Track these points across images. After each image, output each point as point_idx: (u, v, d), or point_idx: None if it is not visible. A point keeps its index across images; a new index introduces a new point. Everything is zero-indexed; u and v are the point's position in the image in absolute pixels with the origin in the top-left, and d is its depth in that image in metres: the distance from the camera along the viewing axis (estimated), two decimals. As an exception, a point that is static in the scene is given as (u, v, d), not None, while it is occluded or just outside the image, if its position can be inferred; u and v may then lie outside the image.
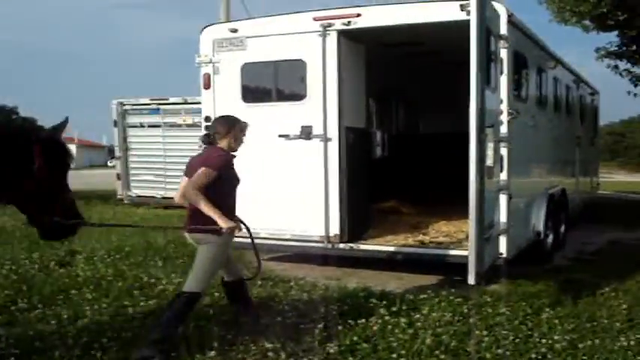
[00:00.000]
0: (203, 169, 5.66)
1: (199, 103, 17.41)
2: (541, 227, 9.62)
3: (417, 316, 6.68)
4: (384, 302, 7.13)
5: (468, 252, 6.65)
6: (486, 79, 6.89)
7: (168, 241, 11.29)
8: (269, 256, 10.29)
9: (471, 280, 6.48)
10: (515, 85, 8.59)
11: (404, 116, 15.22)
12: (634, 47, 14.05)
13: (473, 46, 6.49)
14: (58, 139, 5.07)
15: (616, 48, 14.60)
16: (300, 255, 9.71)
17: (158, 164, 18.51)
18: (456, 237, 9.53)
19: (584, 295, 7.72)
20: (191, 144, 17.61)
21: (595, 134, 18.30)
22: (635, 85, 13.84)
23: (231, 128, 6.06)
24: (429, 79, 12.95)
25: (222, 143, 6.02)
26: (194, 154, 17.95)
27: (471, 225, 6.48)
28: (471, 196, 6.44)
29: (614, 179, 48.00)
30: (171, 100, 18.47)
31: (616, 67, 14.18)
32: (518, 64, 8.67)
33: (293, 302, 7.20)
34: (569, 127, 13.53)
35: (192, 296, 5.71)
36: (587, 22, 13.36)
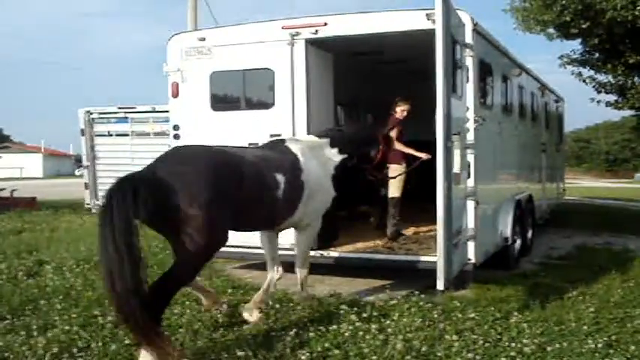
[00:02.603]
0: None
1: (168, 111, 17.64)
2: (508, 233, 9.74)
3: (388, 321, 6.72)
4: (355, 309, 7.15)
5: (437, 258, 6.72)
6: (452, 87, 6.99)
7: (137, 250, 11.18)
8: (239, 264, 10.29)
9: (440, 285, 6.56)
10: (481, 92, 8.71)
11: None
12: (596, 55, 14.31)
13: (439, 54, 6.58)
14: None
15: (579, 55, 14.85)
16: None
17: (125, 173, 18.27)
18: (426, 243, 9.61)
19: (551, 299, 7.83)
20: (159, 152, 17.51)
21: (560, 141, 18.58)
22: (599, 92, 14.11)
23: None
24: (394, 87, 13.03)
25: None
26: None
27: (439, 231, 6.56)
28: (438, 203, 6.52)
29: (580, 185, 48.85)
30: (140, 108, 18.37)
31: (580, 74, 14.43)
32: (484, 72, 8.80)
33: (264, 310, 7.19)
34: (534, 133, 13.74)
35: None
36: (550, 31, 13.59)
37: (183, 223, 5.46)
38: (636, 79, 13.22)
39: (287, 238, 8.96)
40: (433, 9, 7.81)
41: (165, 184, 5.49)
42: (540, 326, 6.67)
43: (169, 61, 9.48)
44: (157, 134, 17.93)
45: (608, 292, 8.30)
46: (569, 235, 14.54)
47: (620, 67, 12.94)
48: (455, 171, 6.84)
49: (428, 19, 7.88)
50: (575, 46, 14.71)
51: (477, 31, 8.14)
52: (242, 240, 9.05)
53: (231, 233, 9.01)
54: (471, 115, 7.90)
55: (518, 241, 10.59)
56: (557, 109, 17.51)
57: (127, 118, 18.46)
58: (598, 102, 14.45)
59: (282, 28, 8.85)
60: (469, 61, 7.84)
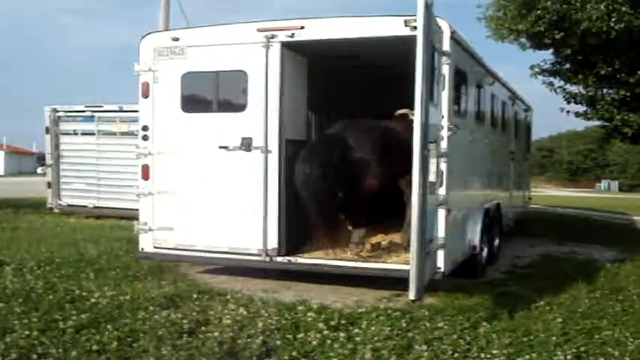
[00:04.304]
0: None
1: (136, 111, 17.32)
2: (477, 241, 9.76)
3: (356, 330, 6.66)
4: (323, 316, 7.08)
5: (408, 266, 6.67)
6: (429, 95, 6.96)
7: (101, 252, 10.99)
8: (203, 268, 10.15)
9: (412, 295, 6.51)
10: (456, 100, 8.70)
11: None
12: (567, 65, 14.44)
13: (419, 61, 6.55)
14: None
15: (550, 66, 14.96)
16: (236, 267, 9.56)
17: (91, 173, 18.09)
18: (395, 250, 9.56)
19: (519, 308, 7.85)
20: (126, 152, 17.30)
21: (528, 150, 18.74)
22: (569, 103, 14.24)
23: None
24: (367, 92, 13.02)
25: None
26: (130, 162, 17.63)
27: (412, 240, 6.51)
28: (413, 212, 6.46)
29: (543, 193, 49.40)
30: (107, 107, 18.11)
31: (551, 83, 14.54)
32: (459, 79, 8.79)
33: (230, 316, 7.07)
34: (504, 142, 13.80)
35: None
36: (523, 40, 13.68)
37: None
38: (605, 90, 13.36)
39: (227, 241, 8.92)
40: (412, 15, 7.86)
41: None
42: (509, 336, 6.66)
43: (141, 61, 9.30)
44: (123, 134, 17.69)
45: (575, 302, 8.35)
46: (534, 244, 14.64)
47: (590, 79, 13.06)
48: (431, 179, 6.80)
49: (406, 26, 7.84)
50: (546, 56, 14.85)
51: (454, 38, 8.13)
52: (207, 244, 9.04)
53: (197, 237, 9.07)
54: (445, 123, 7.87)
55: (486, 250, 10.61)
56: (526, 118, 17.65)
57: (93, 116, 18.17)
58: (567, 112, 14.60)
59: (258, 30, 8.74)
60: (445, 69, 7.81)
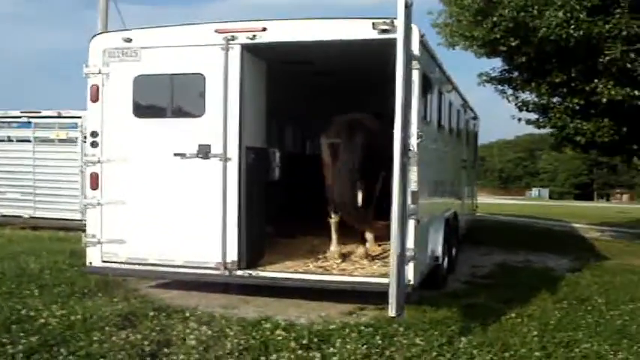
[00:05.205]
0: None
1: (75, 117, 16.71)
2: (439, 252, 9.52)
3: (331, 349, 6.31)
4: (292, 334, 6.69)
5: (375, 279, 6.36)
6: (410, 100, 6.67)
7: (43, 266, 10.30)
8: (154, 283, 9.61)
9: (392, 311, 6.17)
10: (423, 107, 8.44)
11: (295, 136, 14.93)
12: (516, 74, 14.44)
13: (399, 67, 6.29)
14: None
15: (498, 74, 14.95)
16: (192, 281, 9.06)
17: (27, 181, 17.16)
18: (358, 262, 9.25)
19: (490, 321, 7.62)
20: (65, 160, 16.59)
21: (475, 158, 18.80)
22: (521, 110, 14.23)
23: None
24: (328, 98, 12.74)
25: None
26: (69, 170, 16.84)
27: (392, 254, 6.18)
28: (393, 224, 6.13)
29: (478, 201, 50.11)
30: (45, 113, 17.23)
31: (503, 91, 14.53)
32: (425, 85, 8.54)
33: (194, 336, 6.59)
34: (459, 150, 13.70)
35: None
36: (477, 48, 13.59)
37: None
38: (557, 99, 13.40)
39: (183, 254, 8.46)
40: (380, 18, 7.59)
41: None
42: (488, 351, 6.43)
43: (90, 62, 8.72)
44: (62, 141, 16.88)
45: (545, 313, 8.19)
46: (487, 253, 14.59)
47: (544, 86, 13.05)
48: (412, 189, 6.50)
49: (374, 29, 7.58)
50: (491, 63, 14.89)
51: (423, 42, 7.86)
52: (161, 257, 8.52)
53: (150, 249, 8.54)
54: (414, 130, 7.57)
55: (446, 260, 10.39)
56: (474, 126, 17.70)
57: (30, 122, 17.27)
58: (519, 120, 14.61)
59: (216, 31, 8.29)
60: (415, 74, 7.49)
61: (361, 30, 7.77)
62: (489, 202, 51.09)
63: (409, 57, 7.16)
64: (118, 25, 17.79)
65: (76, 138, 16.58)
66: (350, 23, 8.02)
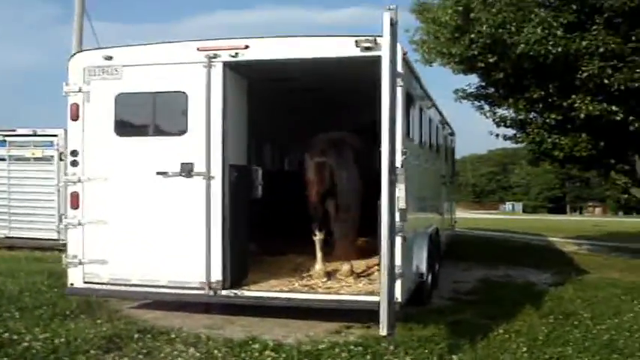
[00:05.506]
0: None
1: (51, 135, 16.49)
2: (424, 268, 9.48)
3: (323, 370, 6.22)
4: (282, 355, 6.61)
5: (362, 297, 6.29)
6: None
7: (22, 287, 10.08)
8: (136, 303, 9.45)
9: (384, 330, 6.11)
10: (406, 124, 8.44)
11: (274, 153, 14.88)
12: (492, 90, 14.52)
13: (385, 85, 6.26)
14: None
15: (475, 90, 15.04)
16: (176, 302, 8.92)
17: (1, 200, 16.88)
18: (343, 279, 9.19)
19: (478, 338, 7.56)
20: (41, 179, 16.35)
21: (453, 173, 18.88)
22: (498, 126, 14.34)
23: None
24: (306, 115, 12.72)
25: None
26: (45, 189, 16.55)
27: (382, 272, 6.12)
28: (383, 242, 6.08)
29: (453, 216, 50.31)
30: (20, 131, 16.99)
31: (481, 107, 14.61)
32: (408, 102, 8.55)
33: (182, 359, 6.48)
34: (438, 166, 13.73)
35: None
36: (454, 64, 13.67)
37: None
38: (534, 114, 13.50)
39: (166, 274, 8.33)
40: (362, 35, 7.61)
41: None
42: (480, 369, 6.39)
43: (70, 81, 8.60)
44: (37, 159, 16.64)
45: (532, 329, 8.18)
46: (467, 268, 14.59)
47: (521, 102, 13.16)
48: (400, 206, 6.46)
49: (357, 46, 7.60)
50: (466, 80, 15.00)
51: (405, 59, 7.88)
52: (145, 278, 8.38)
53: (133, 270, 8.40)
54: (399, 146, 7.55)
55: (430, 276, 10.36)
56: (451, 142, 17.81)
57: (4, 141, 17.00)
58: (497, 135, 14.69)
59: (199, 49, 8.23)
60: (399, 91, 7.49)
61: (344, 47, 7.78)
62: (465, 216, 51.29)
63: (395, 75, 7.19)
64: (92, 43, 17.69)
65: (52, 156, 16.37)
66: (333, 41, 8.03)
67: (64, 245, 14.46)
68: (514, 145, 17.61)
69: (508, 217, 69.25)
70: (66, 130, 15.96)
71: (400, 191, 6.60)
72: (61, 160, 15.94)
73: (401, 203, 6.52)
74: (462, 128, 17.79)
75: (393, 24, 6.34)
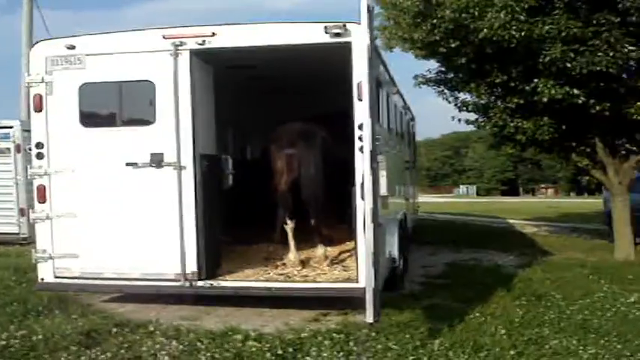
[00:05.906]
0: None
1: (7, 127, 16.01)
2: (396, 253, 9.53)
3: (307, 358, 6.19)
4: (266, 345, 6.53)
5: (340, 284, 6.25)
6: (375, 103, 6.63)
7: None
8: (108, 297, 9.27)
9: (370, 317, 6.09)
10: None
11: (238, 142, 14.71)
12: (451, 75, 14.53)
13: (362, 71, 6.22)
14: None
15: (434, 75, 15.04)
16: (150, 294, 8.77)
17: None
18: (318, 266, 9.16)
19: (455, 322, 7.59)
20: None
21: (415, 159, 18.99)
22: (460, 111, 14.39)
23: None
24: (272, 102, 12.61)
25: None
26: (3, 183, 16.12)
27: (367, 259, 6.08)
28: (367, 229, 6.05)
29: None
30: (-25, 123, 16.47)
31: (442, 92, 14.63)
32: (377, 88, 8.52)
33: (165, 351, 6.36)
34: (404, 152, 13.77)
35: None
36: (415, 49, 13.65)
37: None
38: (494, 99, 13.58)
39: (140, 266, 8.20)
40: (332, 22, 7.55)
41: None
42: (462, 352, 6.42)
43: (32, 71, 8.36)
44: (-5, 152, 16.17)
45: (506, 311, 8.25)
46: (433, 253, 14.70)
47: (483, 87, 13.22)
48: (382, 193, 6.44)
49: (326, 32, 7.55)
50: (426, 65, 14.90)
51: (374, 46, 7.83)
52: (117, 270, 8.21)
53: (106, 263, 8.21)
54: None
55: (401, 261, 10.39)
56: (412, 127, 17.91)
57: (-42, 133, 16.47)
58: (459, 120, 14.76)
59: (164, 37, 8.06)
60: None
61: (313, 34, 7.71)
62: (422, 200, 51.75)
63: (372, 61, 7.15)
64: (42, 32, 17.30)
65: (8, 149, 15.90)
66: (301, 27, 7.95)
67: (25, 239, 14.35)
68: (467, 129, 17.65)
69: (463, 200, 70.15)
70: (22, 121, 15.79)
71: (382, 178, 6.57)
72: (18, 152, 15.55)
73: (382, 190, 6.50)
74: (416, 112, 17.82)
75: (370, 10, 6.28)
